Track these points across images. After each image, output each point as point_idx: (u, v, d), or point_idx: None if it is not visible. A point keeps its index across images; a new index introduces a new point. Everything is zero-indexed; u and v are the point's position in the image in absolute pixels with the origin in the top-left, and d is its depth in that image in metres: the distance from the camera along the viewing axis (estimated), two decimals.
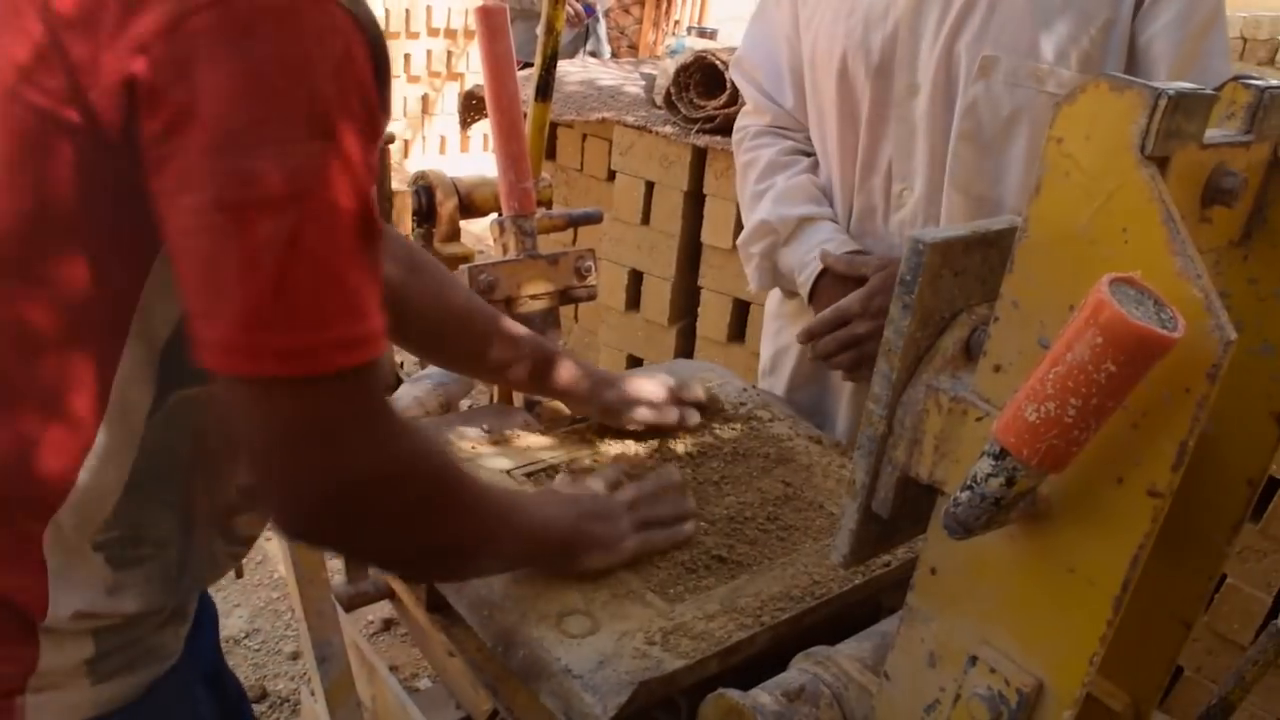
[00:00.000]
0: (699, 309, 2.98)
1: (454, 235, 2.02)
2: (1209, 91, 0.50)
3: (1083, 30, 1.13)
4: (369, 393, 0.66)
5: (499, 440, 1.16)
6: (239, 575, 2.40)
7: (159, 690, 0.76)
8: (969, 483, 0.52)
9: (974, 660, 0.60)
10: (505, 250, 1.22)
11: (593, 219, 1.62)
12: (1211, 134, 0.54)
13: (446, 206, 1.97)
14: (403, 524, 0.73)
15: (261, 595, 2.58)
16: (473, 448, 1.14)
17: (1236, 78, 0.58)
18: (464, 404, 1.36)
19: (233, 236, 0.59)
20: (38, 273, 0.65)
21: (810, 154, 1.43)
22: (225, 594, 2.57)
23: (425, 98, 6.14)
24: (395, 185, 2.02)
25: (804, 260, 1.34)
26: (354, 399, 0.65)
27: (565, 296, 1.24)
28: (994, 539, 0.57)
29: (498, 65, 1.14)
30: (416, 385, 1.29)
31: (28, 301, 0.65)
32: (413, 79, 6.01)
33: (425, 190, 1.98)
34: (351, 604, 1.60)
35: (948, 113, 1.22)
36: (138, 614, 0.73)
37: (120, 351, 0.68)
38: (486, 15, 1.14)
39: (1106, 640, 0.54)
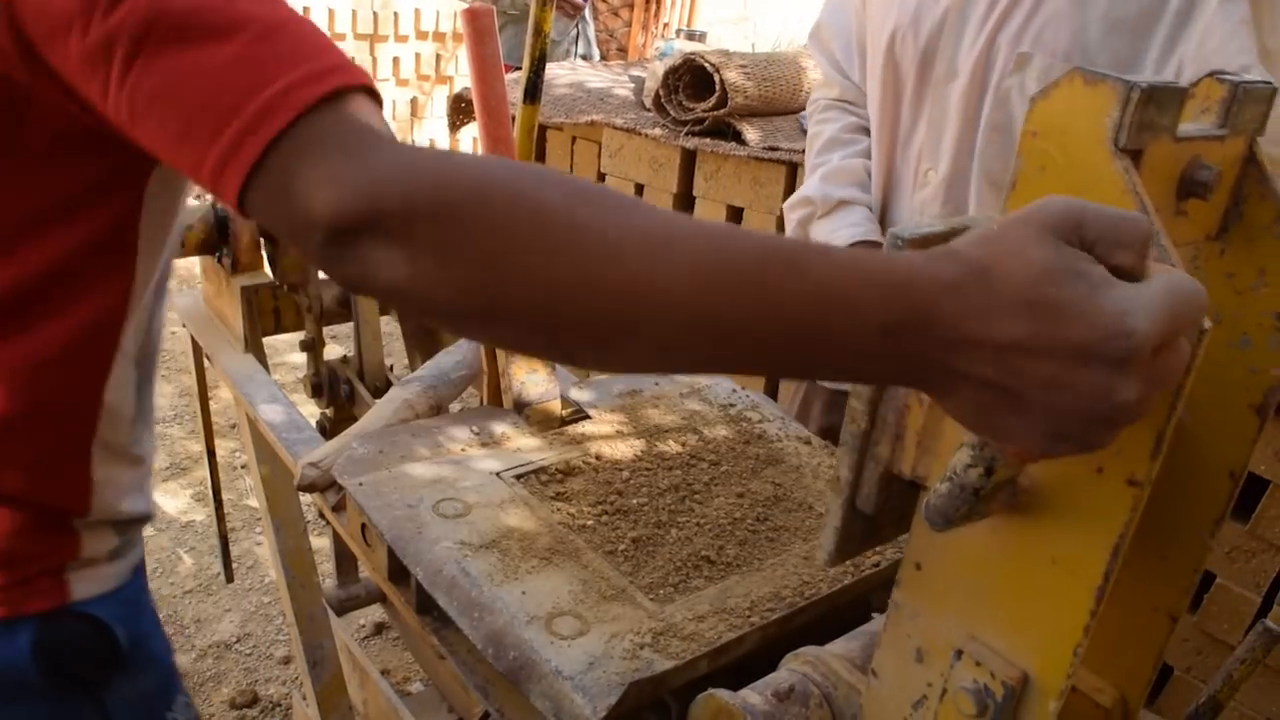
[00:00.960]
0: None
1: None
2: (1180, 85, 0.50)
3: (1119, 33, 1.16)
4: (355, 115, 0.57)
5: (488, 442, 1.16)
6: (229, 580, 2.40)
7: (138, 573, 0.93)
8: (949, 474, 0.52)
9: (960, 654, 0.61)
10: None
11: None
12: (1186, 128, 0.54)
13: None
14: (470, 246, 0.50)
15: (252, 600, 2.58)
16: (462, 450, 1.14)
17: (1212, 74, 0.58)
18: (454, 406, 1.36)
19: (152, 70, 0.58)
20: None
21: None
22: (216, 599, 2.56)
23: (414, 101, 6.14)
24: None
25: (828, 240, 1.41)
26: (340, 124, 0.56)
27: None
28: (977, 532, 0.58)
29: (485, 68, 1.15)
30: (406, 388, 1.29)
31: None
32: (401, 82, 6.01)
33: None
34: (343, 608, 1.60)
35: (980, 101, 1.27)
36: (143, 514, 0.90)
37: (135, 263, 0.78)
38: (473, 18, 1.14)
39: (1090, 631, 0.54)
